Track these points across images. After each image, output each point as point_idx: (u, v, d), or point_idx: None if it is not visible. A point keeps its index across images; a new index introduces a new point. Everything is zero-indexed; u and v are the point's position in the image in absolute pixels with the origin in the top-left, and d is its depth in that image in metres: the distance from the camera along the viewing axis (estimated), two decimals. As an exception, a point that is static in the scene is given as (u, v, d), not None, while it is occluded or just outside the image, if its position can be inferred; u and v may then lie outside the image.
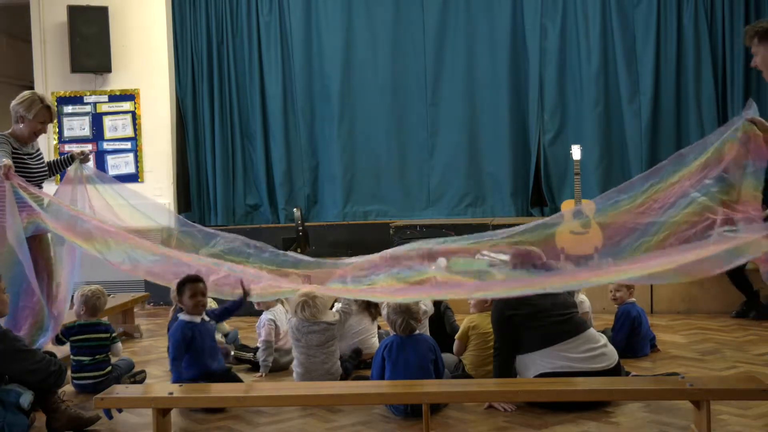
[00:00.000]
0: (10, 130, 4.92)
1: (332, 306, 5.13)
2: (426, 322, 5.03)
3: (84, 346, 4.95)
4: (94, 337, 4.96)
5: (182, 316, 4.61)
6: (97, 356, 4.93)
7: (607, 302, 5.76)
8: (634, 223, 3.87)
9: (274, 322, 5.29)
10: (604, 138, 8.71)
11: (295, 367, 4.88)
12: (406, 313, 4.32)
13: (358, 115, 9.17)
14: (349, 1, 9.10)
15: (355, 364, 5.10)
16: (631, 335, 5.36)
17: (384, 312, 4.58)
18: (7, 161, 4.57)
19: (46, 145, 9.01)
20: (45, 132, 5.04)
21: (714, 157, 3.62)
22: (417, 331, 4.39)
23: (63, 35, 8.85)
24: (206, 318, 4.69)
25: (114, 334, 5.05)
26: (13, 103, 4.89)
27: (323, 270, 4.94)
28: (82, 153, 5.10)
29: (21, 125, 4.87)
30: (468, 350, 4.77)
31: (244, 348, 5.64)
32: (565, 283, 4.34)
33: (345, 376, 4.88)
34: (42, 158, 5.11)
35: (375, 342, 5.27)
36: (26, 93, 4.98)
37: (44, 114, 4.89)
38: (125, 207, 4.96)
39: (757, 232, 3.36)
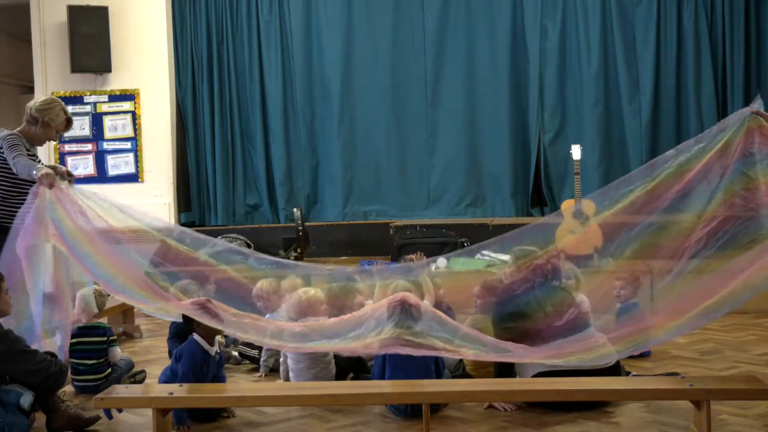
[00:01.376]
0: (20, 129, 4.85)
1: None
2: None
3: (81, 350, 4.93)
4: (91, 341, 4.95)
5: (198, 339, 4.27)
6: (94, 360, 4.92)
7: (609, 302, 5.72)
8: (645, 209, 3.94)
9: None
10: (604, 138, 8.72)
11: (290, 371, 4.88)
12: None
13: (358, 115, 9.17)
14: (349, 1, 9.10)
15: (353, 364, 5.04)
16: None
17: None
18: (47, 169, 4.47)
19: (46, 145, 9.00)
20: (56, 140, 4.97)
21: (723, 148, 3.77)
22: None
23: (63, 35, 8.85)
24: (218, 350, 4.41)
25: (112, 338, 5.02)
26: (36, 105, 4.84)
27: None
28: (69, 174, 4.72)
29: (37, 128, 4.83)
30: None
31: (249, 345, 5.62)
32: (599, 352, 4.06)
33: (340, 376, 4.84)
34: (40, 160, 5.05)
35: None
36: (50, 99, 4.94)
37: (64, 126, 4.92)
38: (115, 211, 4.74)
39: None
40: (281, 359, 4.91)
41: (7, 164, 4.71)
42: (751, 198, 3.70)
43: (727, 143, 3.74)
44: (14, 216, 4.64)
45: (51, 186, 4.40)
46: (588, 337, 4.19)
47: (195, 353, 4.25)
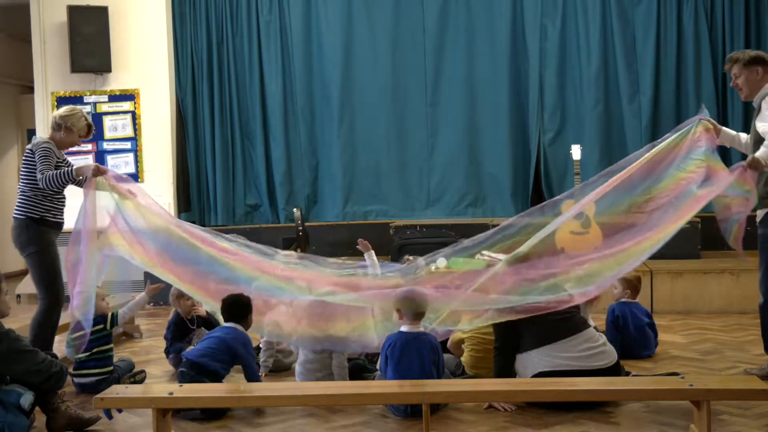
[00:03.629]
0: (49, 136, 5.25)
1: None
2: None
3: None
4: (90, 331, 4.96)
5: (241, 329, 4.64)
6: (95, 349, 4.92)
7: (608, 302, 5.73)
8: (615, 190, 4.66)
9: (276, 322, 5.30)
10: (604, 138, 8.72)
11: (296, 364, 4.91)
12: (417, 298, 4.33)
13: (358, 115, 9.17)
14: (349, 1, 9.10)
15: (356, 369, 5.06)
16: (623, 336, 5.36)
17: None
18: (84, 163, 4.92)
19: (46, 145, 9.00)
20: (79, 145, 5.49)
21: (676, 143, 4.58)
22: (421, 329, 4.38)
23: (63, 35, 8.85)
24: None
25: (110, 314, 5.04)
26: (60, 112, 5.27)
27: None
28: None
29: (62, 134, 5.21)
30: (467, 351, 4.77)
31: None
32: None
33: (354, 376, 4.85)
34: (70, 163, 5.31)
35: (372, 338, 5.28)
36: (73, 107, 5.39)
37: (86, 131, 5.32)
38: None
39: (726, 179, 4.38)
40: (297, 361, 4.91)
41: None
42: (698, 176, 4.47)
43: (678, 140, 4.56)
44: (58, 211, 5.12)
45: (100, 173, 4.87)
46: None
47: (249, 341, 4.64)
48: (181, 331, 5.52)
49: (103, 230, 4.81)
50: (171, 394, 3.84)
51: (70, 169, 5.00)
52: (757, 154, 4.39)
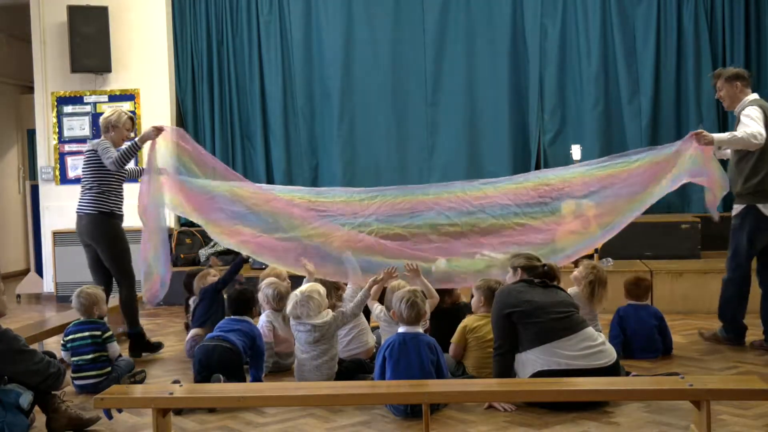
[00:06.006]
0: (102, 138, 5.87)
1: (333, 307, 5.12)
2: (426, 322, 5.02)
3: (79, 345, 4.97)
4: (85, 336, 4.98)
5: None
6: (92, 355, 4.93)
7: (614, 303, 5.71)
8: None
9: (272, 323, 5.30)
10: (604, 138, 8.71)
11: (295, 364, 4.92)
12: (413, 306, 4.32)
13: (358, 115, 9.16)
14: (349, 1, 9.10)
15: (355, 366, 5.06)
16: (625, 336, 5.38)
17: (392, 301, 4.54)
18: (149, 129, 5.70)
19: (46, 145, 9.03)
20: (131, 139, 5.93)
21: (668, 154, 5.20)
22: (419, 330, 4.38)
23: (63, 35, 8.85)
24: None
25: (108, 334, 5.05)
26: (104, 116, 5.94)
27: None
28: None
29: (112, 133, 5.87)
30: (469, 352, 4.77)
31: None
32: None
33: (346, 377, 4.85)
34: None
35: (368, 339, 5.29)
36: (112, 108, 6.10)
37: (129, 122, 5.96)
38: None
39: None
40: (295, 365, 4.92)
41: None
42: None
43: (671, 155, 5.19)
44: (121, 204, 5.84)
45: (159, 131, 5.56)
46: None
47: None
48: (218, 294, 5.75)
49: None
50: (171, 394, 3.84)
51: (133, 141, 5.61)
52: (715, 135, 5.14)
